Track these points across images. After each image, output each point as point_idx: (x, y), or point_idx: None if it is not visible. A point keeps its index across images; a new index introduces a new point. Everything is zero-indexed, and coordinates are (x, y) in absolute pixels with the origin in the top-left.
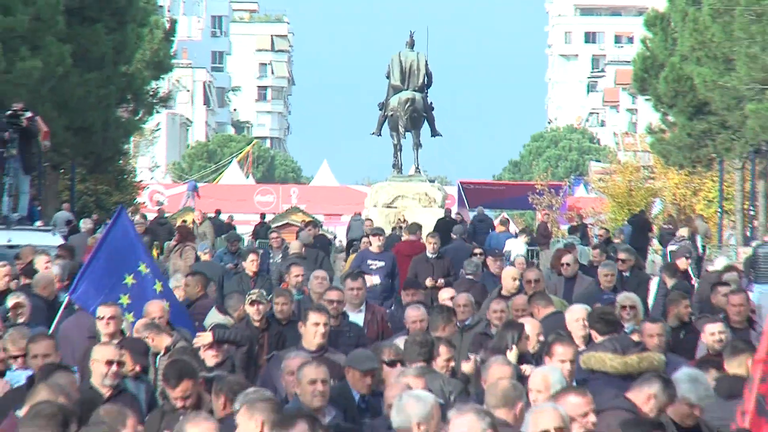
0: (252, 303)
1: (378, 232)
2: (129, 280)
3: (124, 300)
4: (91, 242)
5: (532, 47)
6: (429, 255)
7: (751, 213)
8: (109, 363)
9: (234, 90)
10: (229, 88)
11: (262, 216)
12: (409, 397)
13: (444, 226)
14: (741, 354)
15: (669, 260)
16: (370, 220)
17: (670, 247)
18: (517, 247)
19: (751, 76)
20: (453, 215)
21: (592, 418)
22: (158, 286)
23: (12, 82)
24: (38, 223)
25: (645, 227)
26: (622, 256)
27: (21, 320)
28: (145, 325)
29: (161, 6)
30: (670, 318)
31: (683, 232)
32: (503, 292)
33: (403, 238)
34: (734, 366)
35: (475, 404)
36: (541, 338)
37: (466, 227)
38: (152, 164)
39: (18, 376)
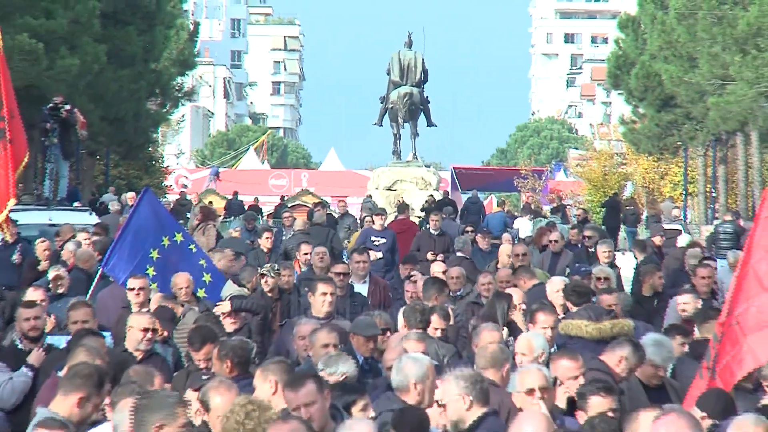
0: (262, 276)
1: (380, 212)
2: (154, 254)
3: (150, 272)
4: (122, 221)
5: (517, 47)
6: (432, 231)
7: (713, 195)
8: (145, 330)
9: (251, 85)
10: (247, 83)
11: (282, 198)
12: (407, 360)
13: (443, 206)
14: (711, 320)
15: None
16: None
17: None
18: (524, 225)
19: (713, 73)
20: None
21: (581, 380)
22: (192, 247)
23: (53, 78)
24: (76, 204)
25: (617, 208)
26: (588, 233)
27: (60, 291)
28: (162, 297)
29: (186, 10)
30: (644, 288)
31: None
32: (499, 266)
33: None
34: (704, 331)
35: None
36: (524, 307)
37: (456, 208)
38: (178, 151)
39: (58, 341)
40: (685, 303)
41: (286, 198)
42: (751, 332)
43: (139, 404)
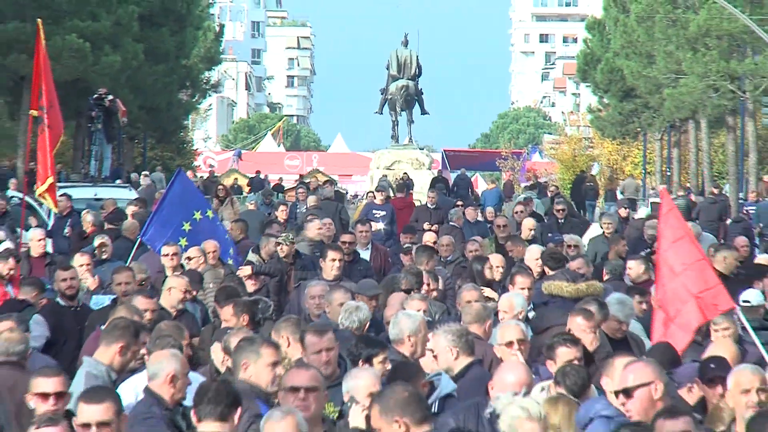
0: (277, 244)
1: (381, 188)
2: (186, 226)
3: (183, 242)
4: (158, 196)
5: (498, 46)
6: (429, 206)
7: (668, 174)
8: (183, 291)
9: (268, 78)
10: (265, 77)
11: (300, 176)
12: (402, 316)
13: (438, 183)
14: None
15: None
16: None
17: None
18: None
19: (668, 68)
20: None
21: (591, 336)
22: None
23: (98, 72)
24: (118, 181)
25: (581, 185)
26: (558, 207)
27: (104, 257)
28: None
29: (212, 14)
30: (611, 254)
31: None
32: (523, 236)
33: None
34: None
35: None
36: (501, 270)
37: (447, 184)
38: (205, 136)
39: (102, 300)
40: (630, 268)
41: (303, 177)
42: (669, 310)
43: (236, 347)
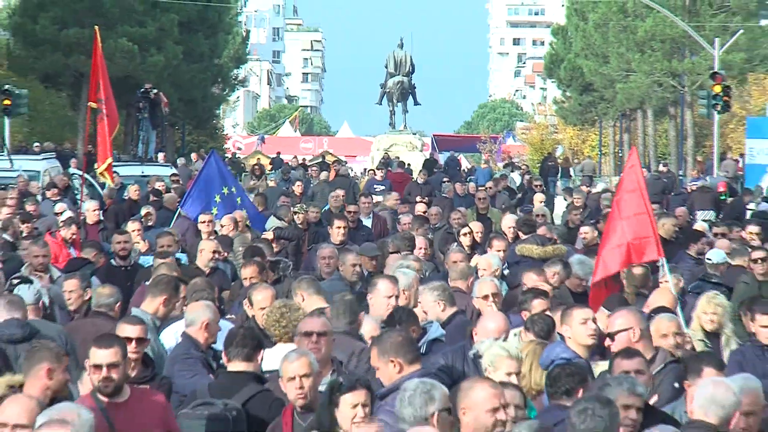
0: (295, 213)
1: (381, 167)
2: (217, 198)
3: (214, 211)
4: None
5: (478, 48)
6: (419, 182)
7: (620, 155)
8: (212, 252)
9: (286, 75)
10: (284, 74)
11: (322, 155)
12: (398, 272)
13: (428, 164)
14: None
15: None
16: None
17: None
18: (515, 177)
19: (620, 67)
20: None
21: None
22: (238, 200)
23: (144, 70)
24: (161, 160)
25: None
26: (536, 182)
27: (150, 223)
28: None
29: (240, 21)
30: (569, 222)
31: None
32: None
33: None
34: None
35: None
36: (480, 235)
37: (436, 164)
38: (234, 123)
39: (148, 259)
40: (585, 232)
41: (317, 157)
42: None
43: None
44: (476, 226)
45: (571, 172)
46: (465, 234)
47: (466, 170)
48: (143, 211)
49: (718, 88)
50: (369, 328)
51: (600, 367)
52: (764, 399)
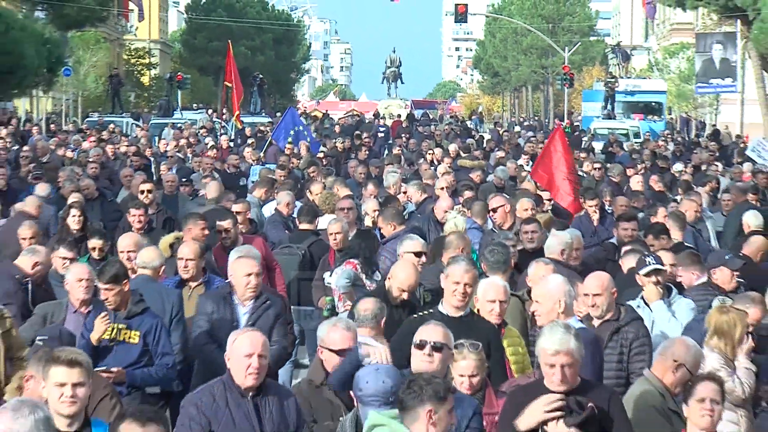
0: (334, 143)
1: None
2: (292, 132)
3: (289, 140)
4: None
5: (436, 51)
6: (404, 125)
7: (513, 111)
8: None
9: (331, 68)
10: (329, 67)
11: (351, 112)
12: (388, 175)
13: (410, 117)
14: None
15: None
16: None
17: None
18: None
19: (513, 63)
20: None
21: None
22: (305, 133)
23: (253, 65)
24: (264, 114)
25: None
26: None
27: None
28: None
29: (306, 36)
30: (487, 148)
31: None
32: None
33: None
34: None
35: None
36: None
37: (414, 117)
38: (302, 94)
39: (257, 169)
40: (499, 156)
41: (349, 112)
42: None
43: None
44: (438, 151)
45: (485, 120)
46: (431, 154)
47: (431, 118)
48: (249, 141)
49: (567, 74)
50: (371, 204)
51: None
52: None
